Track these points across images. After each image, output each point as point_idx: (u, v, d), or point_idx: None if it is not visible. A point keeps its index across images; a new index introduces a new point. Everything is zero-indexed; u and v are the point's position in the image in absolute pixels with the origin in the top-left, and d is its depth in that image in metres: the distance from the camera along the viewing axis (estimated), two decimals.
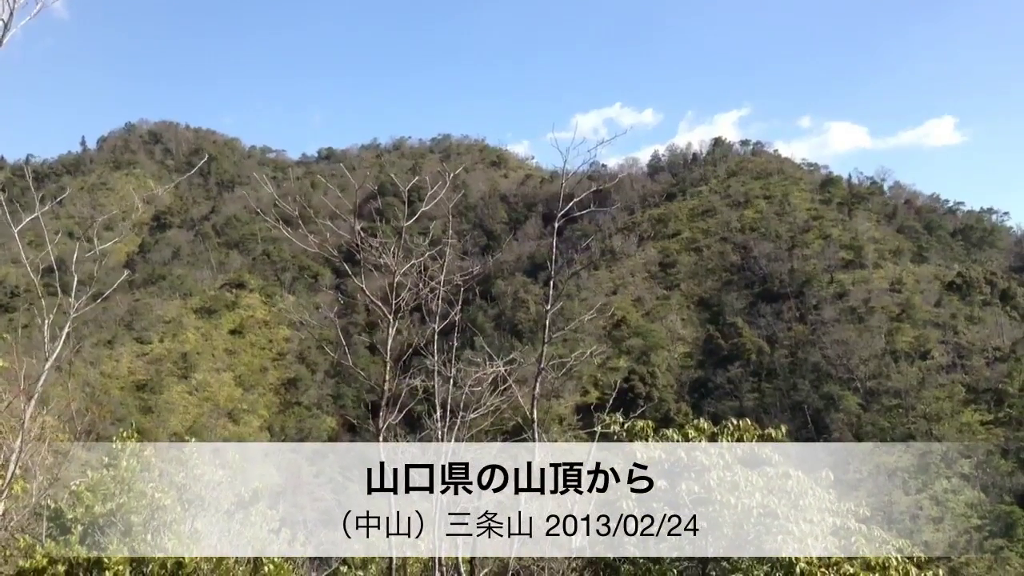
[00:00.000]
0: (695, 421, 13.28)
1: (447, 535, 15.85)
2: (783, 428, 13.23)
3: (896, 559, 11.17)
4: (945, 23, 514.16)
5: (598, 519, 19.46)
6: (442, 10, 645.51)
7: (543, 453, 15.93)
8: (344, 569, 21.24)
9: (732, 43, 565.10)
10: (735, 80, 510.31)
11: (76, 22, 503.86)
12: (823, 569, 11.03)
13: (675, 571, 12.66)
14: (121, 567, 14.44)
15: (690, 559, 12.80)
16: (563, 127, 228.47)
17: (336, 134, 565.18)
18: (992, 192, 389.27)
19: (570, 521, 18.24)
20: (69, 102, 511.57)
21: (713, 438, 12.81)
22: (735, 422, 13.05)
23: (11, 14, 7.20)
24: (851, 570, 10.98)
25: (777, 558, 11.22)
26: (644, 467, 12.73)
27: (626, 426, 13.63)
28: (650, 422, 13.60)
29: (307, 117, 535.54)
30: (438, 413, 14.19)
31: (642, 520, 13.03)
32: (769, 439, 13.00)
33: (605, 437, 16.52)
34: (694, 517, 12.45)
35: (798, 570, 11.00)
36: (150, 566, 14.88)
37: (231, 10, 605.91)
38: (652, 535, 13.15)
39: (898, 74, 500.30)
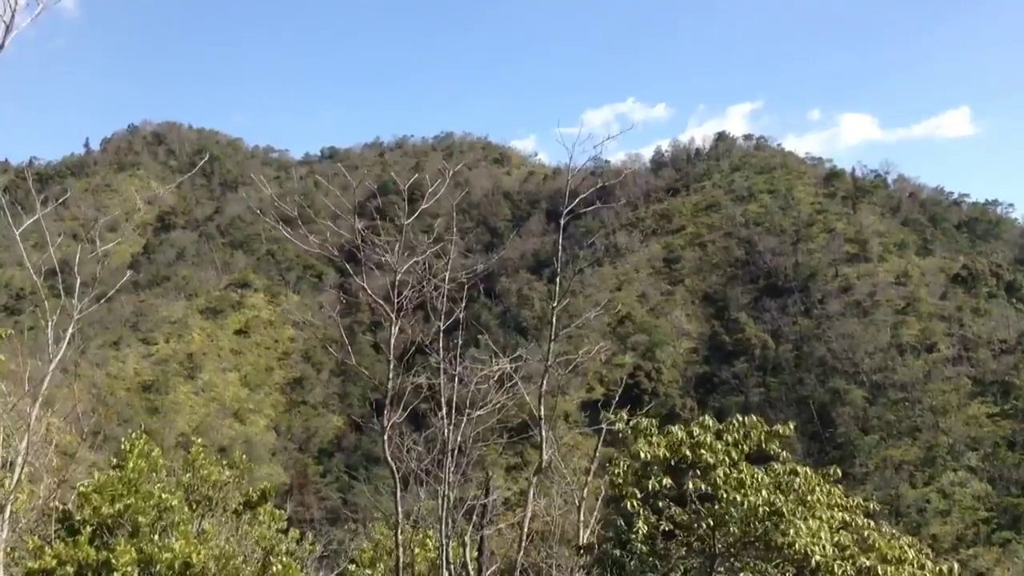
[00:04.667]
0: (700, 418, 13.21)
1: (454, 532, 15.87)
2: (791, 425, 13.15)
3: (911, 552, 11.11)
4: (962, 13, 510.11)
5: (605, 515, 19.48)
6: (454, 5, 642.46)
7: (550, 450, 15.93)
8: (352, 568, 21.24)
9: (745, 36, 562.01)
10: (747, 73, 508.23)
11: (87, 21, 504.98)
12: (839, 562, 10.96)
13: (682, 568, 12.63)
14: (129, 568, 14.46)
15: (697, 556, 12.76)
16: (574, 123, 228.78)
17: (341, 133, 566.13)
18: (1004, 183, 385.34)
19: (577, 517, 18.26)
20: (76, 103, 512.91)
21: (719, 435, 12.74)
22: (740, 418, 12.98)
23: (12, 15, 7.15)
24: (867, 563, 10.93)
25: (791, 552, 11.16)
26: (650, 464, 12.70)
27: (631, 423, 13.59)
28: (654, 420, 13.54)
29: (313, 116, 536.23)
30: (443, 411, 14.18)
31: (649, 517, 13.01)
32: (777, 436, 12.93)
33: (611, 433, 16.51)
34: (700, 514, 12.43)
35: (814, 562, 10.94)
36: (158, 567, 14.90)
37: (242, 11, 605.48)
38: (658, 532, 13.14)
39: (913, 65, 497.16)
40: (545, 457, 15.40)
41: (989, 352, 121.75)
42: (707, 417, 13.27)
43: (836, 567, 10.97)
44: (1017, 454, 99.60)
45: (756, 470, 12.15)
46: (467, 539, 15.95)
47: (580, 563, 15.69)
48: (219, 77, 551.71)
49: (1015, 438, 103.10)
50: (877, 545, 11.43)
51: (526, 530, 15.66)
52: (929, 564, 11.22)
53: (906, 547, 11.31)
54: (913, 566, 11.08)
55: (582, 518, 17.95)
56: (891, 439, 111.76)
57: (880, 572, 10.91)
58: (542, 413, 15.17)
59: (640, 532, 12.59)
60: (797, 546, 11.10)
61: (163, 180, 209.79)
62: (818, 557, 10.99)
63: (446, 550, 14.41)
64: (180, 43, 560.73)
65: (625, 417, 13.87)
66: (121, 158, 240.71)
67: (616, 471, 13.13)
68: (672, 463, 12.67)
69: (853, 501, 12.52)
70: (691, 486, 12.19)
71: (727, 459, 12.27)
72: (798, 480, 12.03)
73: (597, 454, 17.94)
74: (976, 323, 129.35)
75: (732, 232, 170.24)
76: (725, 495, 11.71)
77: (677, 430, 12.85)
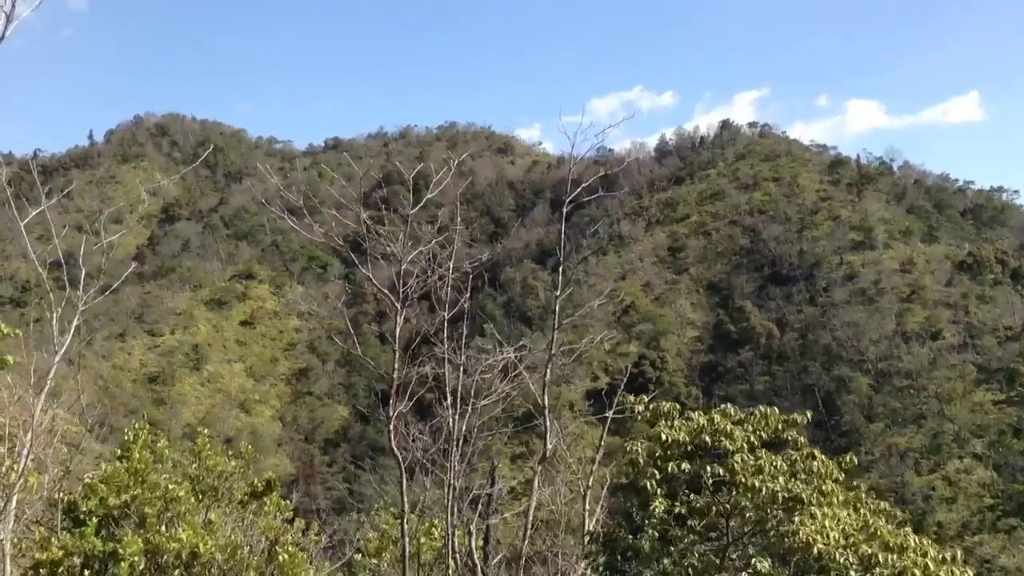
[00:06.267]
0: (723, 407, 13.20)
1: (459, 521, 15.89)
2: (808, 414, 13.18)
3: (915, 540, 11.09)
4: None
5: (610, 504, 19.49)
6: None
7: (555, 439, 15.93)
8: (358, 557, 21.30)
9: (752, 23, 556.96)
10: (754, 61, 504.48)
11: (93, 13, 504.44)
12: (840, 550, 10.96)
13: (696, 554, 12.60)
14: (137, 558, 14.51)
15: (711, 543, 12.75)
16: (579, 111, 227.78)
17: (344, 123, 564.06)
18: (1013, 169, 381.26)
19: (583, 506, 18.28)
20: (81, 95, 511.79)
21: (738, 424, 12.77)
22: (762, 409, 12.99)
23: (13, 6, 7.11)
24: (869, 551, 10.92)
25: (795, 540, 11.15)
26: (668, 448, 12.67)
27: (652, 407, 13.56)
28: (676, 404, 13.52)
29: (317, 107, 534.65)
30: (449, 401, 14.18)
31: (664, 501, 13.00)
32: (794, 424, 12.95)
33: (616, 422, 16.48)
34: (717, 500, 12.42)
35: (815, 551, 10.94)
36: (165, 557, 14.95)
37: (245, 2, 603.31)
38: (672, 517, 13.12)
39: (921, 51, 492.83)
40: (550, 446, 15.40)
41: (994, 339, 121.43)
42: (728, 405, 13.25)
43: (838, 555, 10.95)
44: (1023, 441, 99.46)
45: (773, 457, 12.15)
46: (473, 528, 15.98)
47: (586, 551, 15.69)
48: (222, 68, 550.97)
49: (1021, 425, 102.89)
50: (879, 533, 11.40)
51: (531, 519, 15.67)
52: (932, 552, 11.18)
53: (909, 535, 11.28)
54: (917, 552, 11.04)
55: (587, 506, 17.97)
56: (896, 426, 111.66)
57: (882, 560, 10.88)
58: (547, 402, 15.16)
59: (655, 514, 12.60)
60: (801, 534, 11.09)
61: (167, 171, 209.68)
62: (820, 546, 10.98)
63: (452, 539, 14.44)
64: (184, 35, 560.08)
65: (645, 399, 13.84)
66: (125, 150, 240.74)
67: (635, 449, 13.10)
68: (689, 449, 12.65)
69: (866, 495, 12.52)
70: (708, 471, 12.17)
71: (745, 445, 12.26)
72: (816, 463, 12.02)
73: (602, 442, 17.94)
74: (981, 310, 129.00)
75: (737, 220, 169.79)
76: (743, 480, 11.68)
77: (698, 416, 12.84)
